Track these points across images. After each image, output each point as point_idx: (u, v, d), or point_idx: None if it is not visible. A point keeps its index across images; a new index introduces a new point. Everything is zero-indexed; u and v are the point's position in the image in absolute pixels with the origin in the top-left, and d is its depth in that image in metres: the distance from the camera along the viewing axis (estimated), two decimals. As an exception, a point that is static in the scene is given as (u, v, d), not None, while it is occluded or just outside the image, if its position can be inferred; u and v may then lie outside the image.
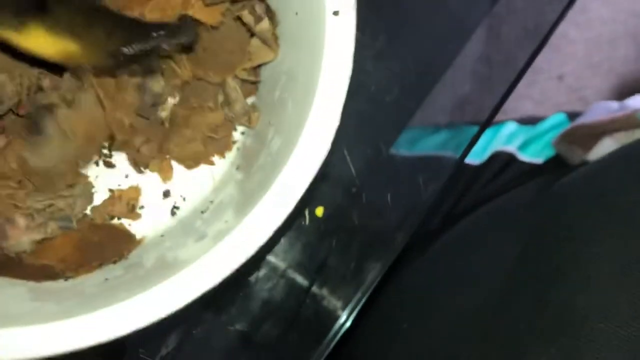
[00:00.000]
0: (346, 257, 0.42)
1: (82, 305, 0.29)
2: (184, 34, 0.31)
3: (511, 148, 0.70)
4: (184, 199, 0.38)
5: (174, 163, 0.38)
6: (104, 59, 0.30)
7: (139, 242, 0.37)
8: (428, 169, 0.44)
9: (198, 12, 0.34)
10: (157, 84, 0.34)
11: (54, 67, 0.33)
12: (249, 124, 0.37)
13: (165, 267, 0.31)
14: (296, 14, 0.32)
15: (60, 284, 0.33)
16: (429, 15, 0.44)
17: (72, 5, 0.30)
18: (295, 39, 0.33)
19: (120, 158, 0.38)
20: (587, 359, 0.32)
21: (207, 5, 0.34)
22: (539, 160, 0.68)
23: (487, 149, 0.72)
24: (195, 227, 0.35)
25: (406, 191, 0.43)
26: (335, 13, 0.29)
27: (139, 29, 0.31)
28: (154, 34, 0.30)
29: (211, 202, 0.37)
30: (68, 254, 0.35)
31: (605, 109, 0.63)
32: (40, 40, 0.29)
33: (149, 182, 0.38)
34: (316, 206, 0.42)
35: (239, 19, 0.35)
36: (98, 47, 0.30)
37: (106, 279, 0.33)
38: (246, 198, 0.32)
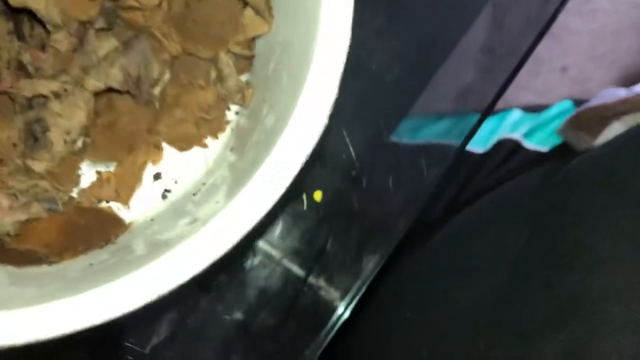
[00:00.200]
0: (345, 244, 0.40)
1: (65, 290, 0.27)
2: None
3: (516, 135, 0.68)
4: (176, 182, 0.37)
5: (165, 145, 0.37)
6: None
7: (128, 226, 0.35)
8: (430, 153, 0.42)
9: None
10: (138, 54, 0.32)
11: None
12: (242, 102, 0.35)
13: (154, 251, 0.29)
14: (291, -18, 0.31)
15: (42, 268, 0.31)
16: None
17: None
18: (289, 9, 0.31)
19: (108, 139, 0.36)
20: (599, 343, 0.30)
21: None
22: (544, 148, 0.66)
23: (492, 137, 0.70)
24: (186, 209, 0.34)
25: (408, 175, 0.41)
26: (332, -21, 0.28)
27: None
28: None
29: (203, 184, 0.35)
30: (53, 238, 0.33)
31: (613, 95, 0.61)
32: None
33: (139, 165, 0.37)
34: (314, 190, 0.40)
35: (231, -11, 0.33)
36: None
37: (91, 264, 0.31)
38: (239, 178, 0.31)
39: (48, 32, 0.32)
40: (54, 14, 0.31)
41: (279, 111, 0.29)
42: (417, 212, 0.41)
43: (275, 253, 0.39)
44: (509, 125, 0.70)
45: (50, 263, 0.32)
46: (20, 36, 0.32)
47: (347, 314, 0.40)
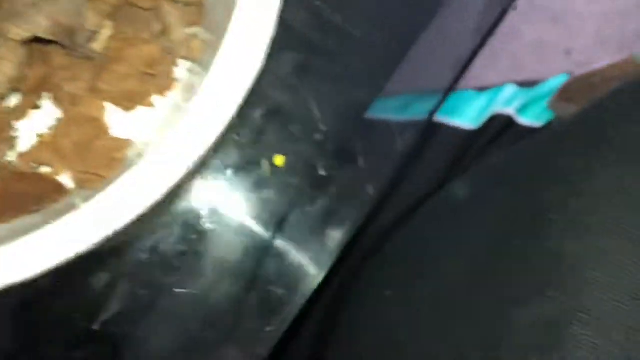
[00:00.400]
0: (310, 213, 0.37)
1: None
2: None
3: (510, 110, 0.66)
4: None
5: (110, 105, 0.34)
6: None
7: (68, 192, 0.33)
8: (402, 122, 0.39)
9: None
10: (69, 2, 0.29)
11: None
12: (190, 55, 0.33)
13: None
14: None
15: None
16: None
17: None
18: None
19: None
20: (577, 314, 0.27)
21: None
22: (539, 123, 0.63)
23: (485, 113, 0.67)
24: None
25: (378, 139, 0.38)
26: None
27: None
28: None
29: (153, 142, 0.33)
30: (-18, 203, 0.31)
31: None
32: None
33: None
34: (275, 154, 0.37)
35: None
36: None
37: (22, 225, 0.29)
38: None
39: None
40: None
41: (212, 46, 0.27)
42: (389, 178, 0.38)
43: (233, 222, 0.36)
44: (503, 101, 0.67)
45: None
46: None
47: (317, 282, 0.37)
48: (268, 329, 0.36)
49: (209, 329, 0.36)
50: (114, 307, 0.35)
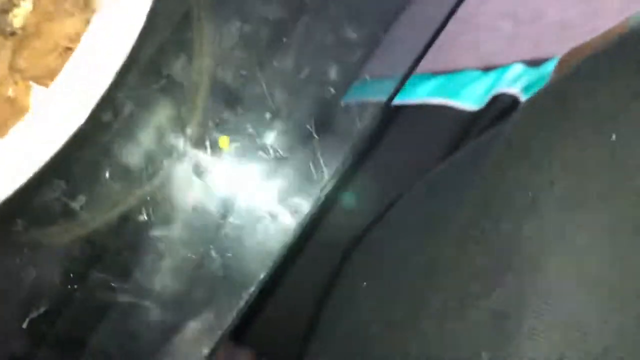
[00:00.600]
0: (260, 197, 0.34)
1: None
2: None
3: (514, 90, 0.62)
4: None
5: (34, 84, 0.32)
6: None
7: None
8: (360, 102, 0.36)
9: None
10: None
11: None
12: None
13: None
14: None
15: None
16: None
17: None
18: None
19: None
20: (534, 301, 0.24)
21: None
22: (544, 103, 0.59)
23: (489, 93, 0.63)
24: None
25: (335, 115, 0.35)
26: None
27: None
28: None
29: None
30: None
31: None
32: None
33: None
34: (218, 135, 0.34)
35: None
36: None
37: None
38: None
39: None
40: None
41: None
42: (349, 159, 0.34)
43: (172, 211, 0.34)
44: (508, 80, 0.63)
45: None
46: None
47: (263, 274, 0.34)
48: (218, 331, 0.33)
49: (152, 327, 0.33)
50: (44, 304, 0.33)
